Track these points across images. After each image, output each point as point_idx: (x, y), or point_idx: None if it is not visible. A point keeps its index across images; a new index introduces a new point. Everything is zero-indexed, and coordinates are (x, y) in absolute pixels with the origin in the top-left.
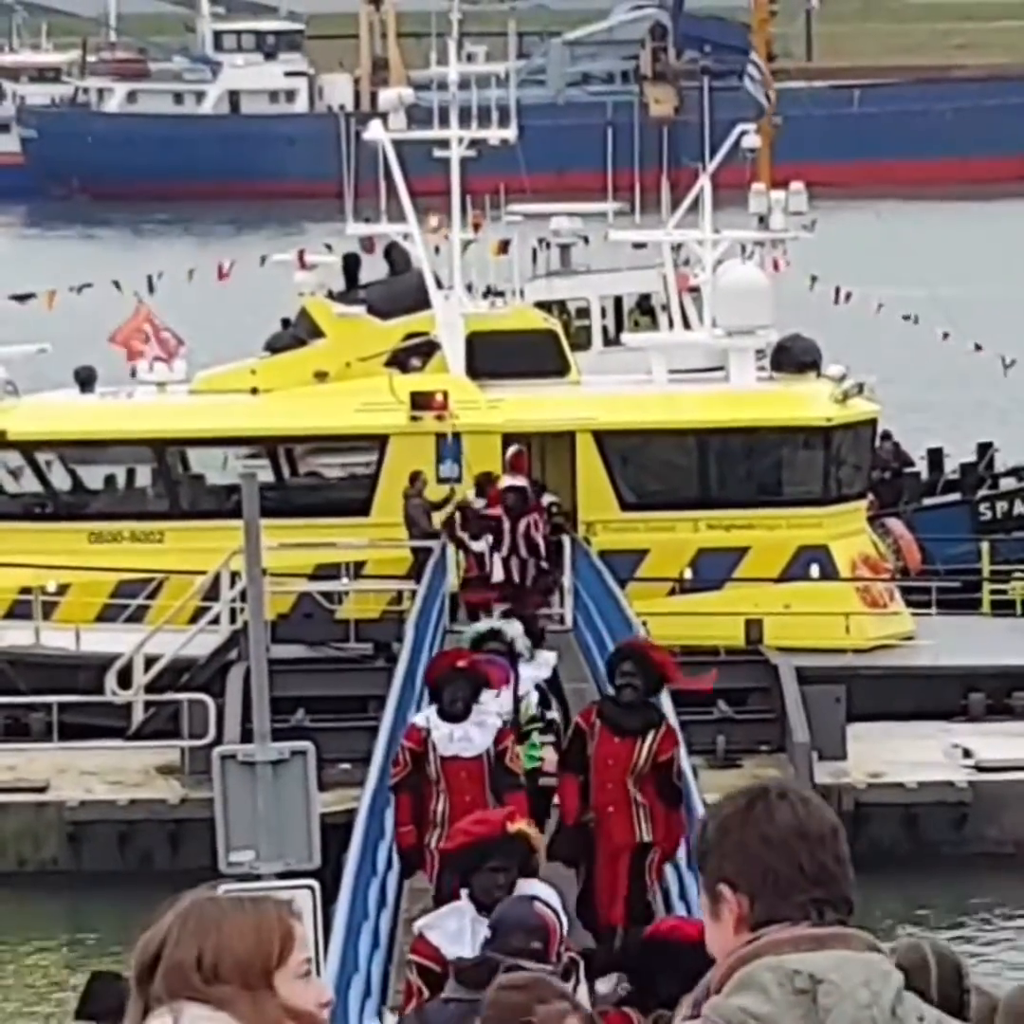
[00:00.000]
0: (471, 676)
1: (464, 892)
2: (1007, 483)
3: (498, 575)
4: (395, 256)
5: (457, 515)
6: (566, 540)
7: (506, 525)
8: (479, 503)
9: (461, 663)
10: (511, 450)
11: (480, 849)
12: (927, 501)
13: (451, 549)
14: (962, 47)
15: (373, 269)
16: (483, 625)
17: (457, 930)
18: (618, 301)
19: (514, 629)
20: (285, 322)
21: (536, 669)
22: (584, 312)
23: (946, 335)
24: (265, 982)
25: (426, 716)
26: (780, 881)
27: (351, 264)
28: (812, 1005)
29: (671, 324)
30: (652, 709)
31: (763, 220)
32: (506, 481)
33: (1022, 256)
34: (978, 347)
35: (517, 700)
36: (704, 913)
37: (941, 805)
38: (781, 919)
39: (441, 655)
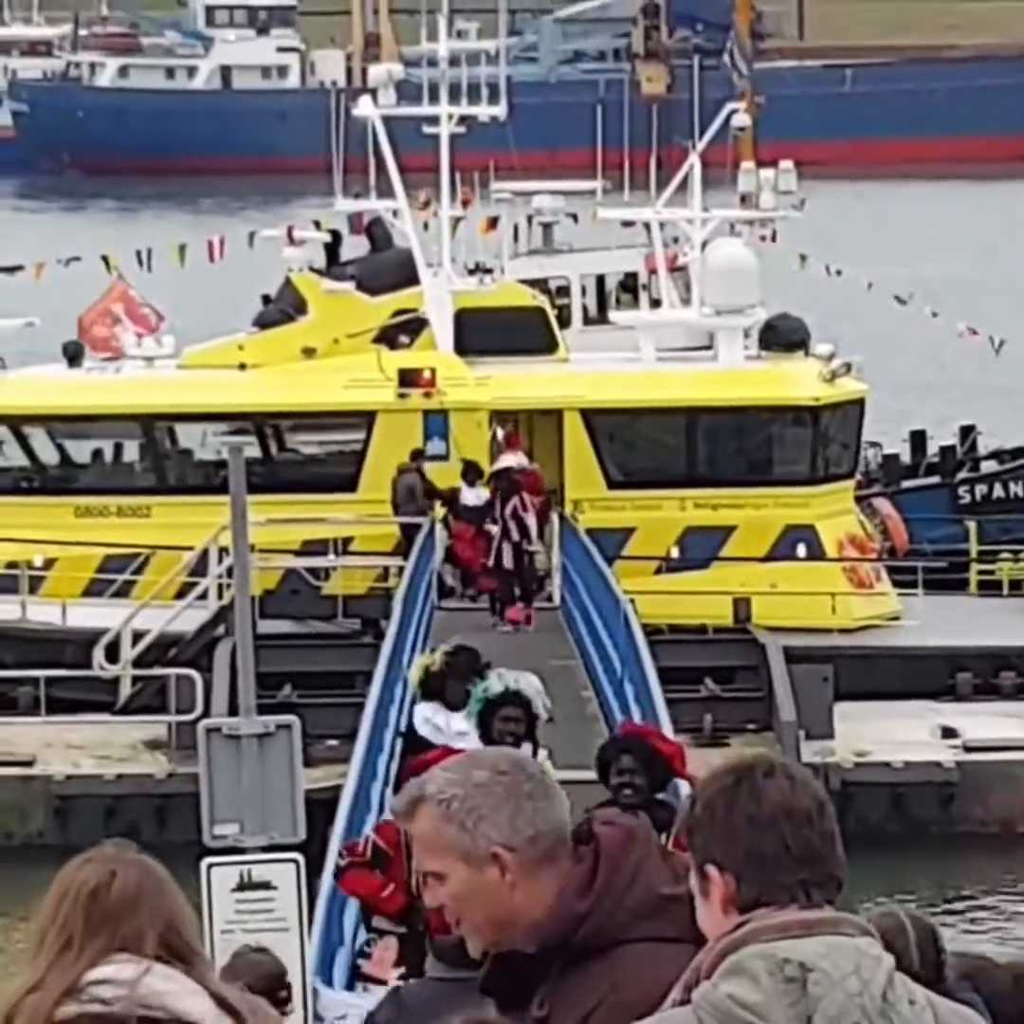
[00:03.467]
0: None
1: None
2: (988, 466)
3: (492, 559)
4: (376, 233)
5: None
6: (553, 517)
7: (497, 509)
8: (470, 495)
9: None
10: (504, 430)
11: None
12: (907, 483)
13: (439, 528)
14: (954, 27)
15: (354, 247)
16: (495, 683)
17: None
18: (600, 280)
19: (532, 686)
20: (265, 298)
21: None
22: (564, 291)
23: (935, 314)
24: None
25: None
26: (766, 861)
27: (332, 241)
28: (802, 993)
29: (652, 303)
30: (659, 808)
31: (745, 199)
32: (500, 462)
33: (1013, 236)
34: (973, 331)
35: None
36: (695, 892)
37: (928, 784)
38: (769, 900)
39: (419, 760)
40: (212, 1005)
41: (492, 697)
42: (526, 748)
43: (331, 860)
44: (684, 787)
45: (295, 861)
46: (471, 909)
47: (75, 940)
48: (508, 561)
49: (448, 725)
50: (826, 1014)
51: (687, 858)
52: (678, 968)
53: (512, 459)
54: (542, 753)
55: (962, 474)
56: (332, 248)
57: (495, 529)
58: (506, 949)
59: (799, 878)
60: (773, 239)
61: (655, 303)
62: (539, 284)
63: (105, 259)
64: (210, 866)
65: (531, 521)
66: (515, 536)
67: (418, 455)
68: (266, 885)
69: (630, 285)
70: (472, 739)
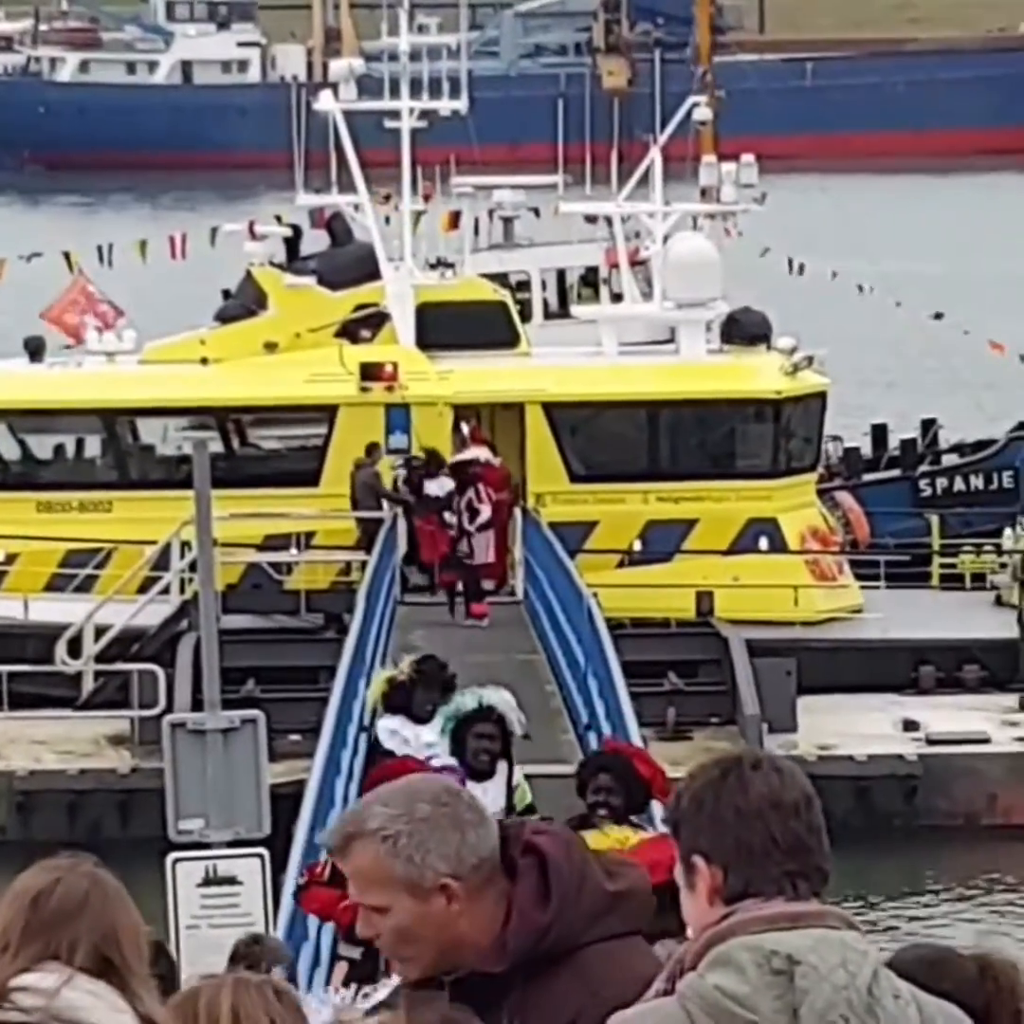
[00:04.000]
0: None
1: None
2: (949, 459)
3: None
4: (336, 228)
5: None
6: (516, 511)
7: (456, 501)
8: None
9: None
10: (469, 425)
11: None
12: (867, 476)
13: (401, 520)
14: (915, 21)
15: (315, 241)
16: (469, 699)
17: None
18: (561, 274)
19: (506, 702)
20: (226, 293)
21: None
22: (525, 285)
23: (898, 304)
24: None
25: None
26: (754, 853)
27: (292, 236)
28: (789, 985)
29: (612, 297)
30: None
31: (705, 193)
32: (463, 455)
33: (974, 230)
34: (938, 316)
35: (511, 790)
36: (679, 883)
37: (891, 778)
38: (755, 891)
39: (382, 768)
40: None
41: (465, 713)
42: (502, 766)
43: (291, 880)
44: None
45: (260, 856)
46: (416, 939)
47: (12, 945)
48: (482, 555)
49: (416, 738)
50: (813, 1007)
51: (611, 855)
52: (642, 960)
53: (475, 454)
54: (519, 772)
55: (923, 467)
56: (292, 243)
57: (448, 522)
58: (449, 974)
59: (786, 870)
60: (738, 234)
61: (616, 297)
62: (500, 278)
63: (67, 255)
64: (175, 861)
65: (485, 513)
66: (467, 525)
67: (373, 449)
68: (232, 880)
69: (590, 280)
70: (441, 752)
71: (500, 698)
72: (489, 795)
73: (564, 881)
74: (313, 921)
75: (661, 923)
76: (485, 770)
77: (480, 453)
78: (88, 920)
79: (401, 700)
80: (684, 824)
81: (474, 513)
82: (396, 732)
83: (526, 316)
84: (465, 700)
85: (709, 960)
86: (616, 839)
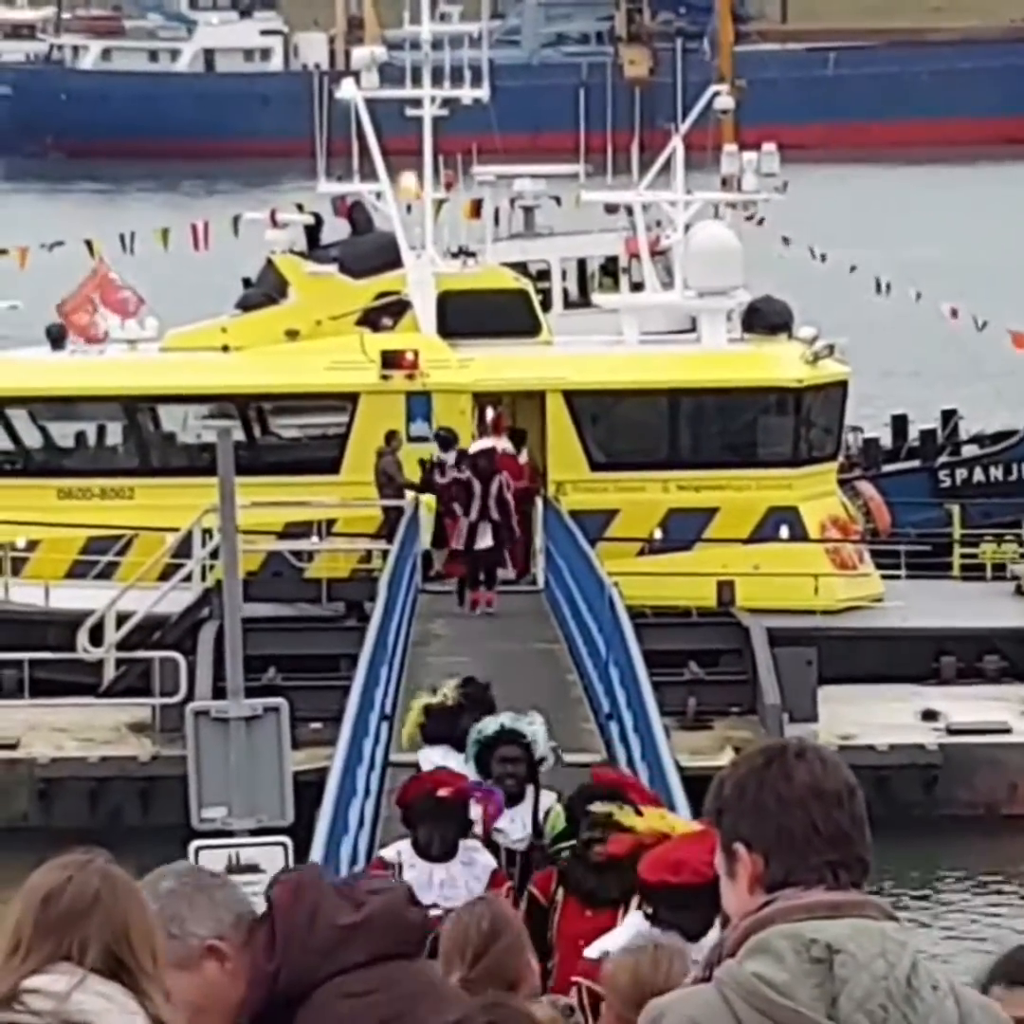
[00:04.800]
0: (454, 812)
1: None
2: (969, 450)
3: (462, 542)
4: (357, 216)
5: (433, 469)
6: (538, 500)
7: (476, 489)
8: (448, 458)
9: (443, 792)
10: (492, 412)
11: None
12: (887, 467)
13: (425, 508)
14: (937, 10)
15: (336, 230)
16: (493, 722)
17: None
18: (582, 264)
19: (536, 728)
20: (246, 281)
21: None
22: (545, 274)
23: (919, 296)
24: (163, 961)
25: (398, 850)
26: (795, 841)
27: (313, 224)
28: (828, 974)
29: (632, 287)
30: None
31: (725, 182)
32: (479, 444)
33: (997, 219)
34: (954, 313)
35: (537, 818)
36: (720, 872)
37: (912, 767)
38: (796, 880)
39: (416, 780)
40: None
41: (488, 737)
42: (529, 790)
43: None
44: None
45: (283, 844)
46: (206, 1011)
47: (23, 944)
48: (486, 541)
49: (462, 771)
50: (851, 996)
51: (369, 884)
52: (378, 987)
53: (493, 443)
54: (549, 796)
55: (943, 458)
56: (312, 231)
57: (461, 511)
58: None
59: (828, 859)
60: (760, 223)
61: (636, 287)
62: (520, 267)
63: (88, 243)
64: (198, 849)
65: (510, 498)
66: (495, 516)
67: (392, 436)
68: (254, 868)
69: (611, 269)
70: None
71: (528, 722)
72: (517, 821)
73: (288, 925)
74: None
75: (677, 920)
76: (511, 794)
77: (499, 443)
78: (98, 919)
79: (443, 729)
80: (726, 812)
81: (503, 504)
82: (443, 766)
83: (546, 305)
84: (487, 723)
85: (748, 947)
86: (652, 818)
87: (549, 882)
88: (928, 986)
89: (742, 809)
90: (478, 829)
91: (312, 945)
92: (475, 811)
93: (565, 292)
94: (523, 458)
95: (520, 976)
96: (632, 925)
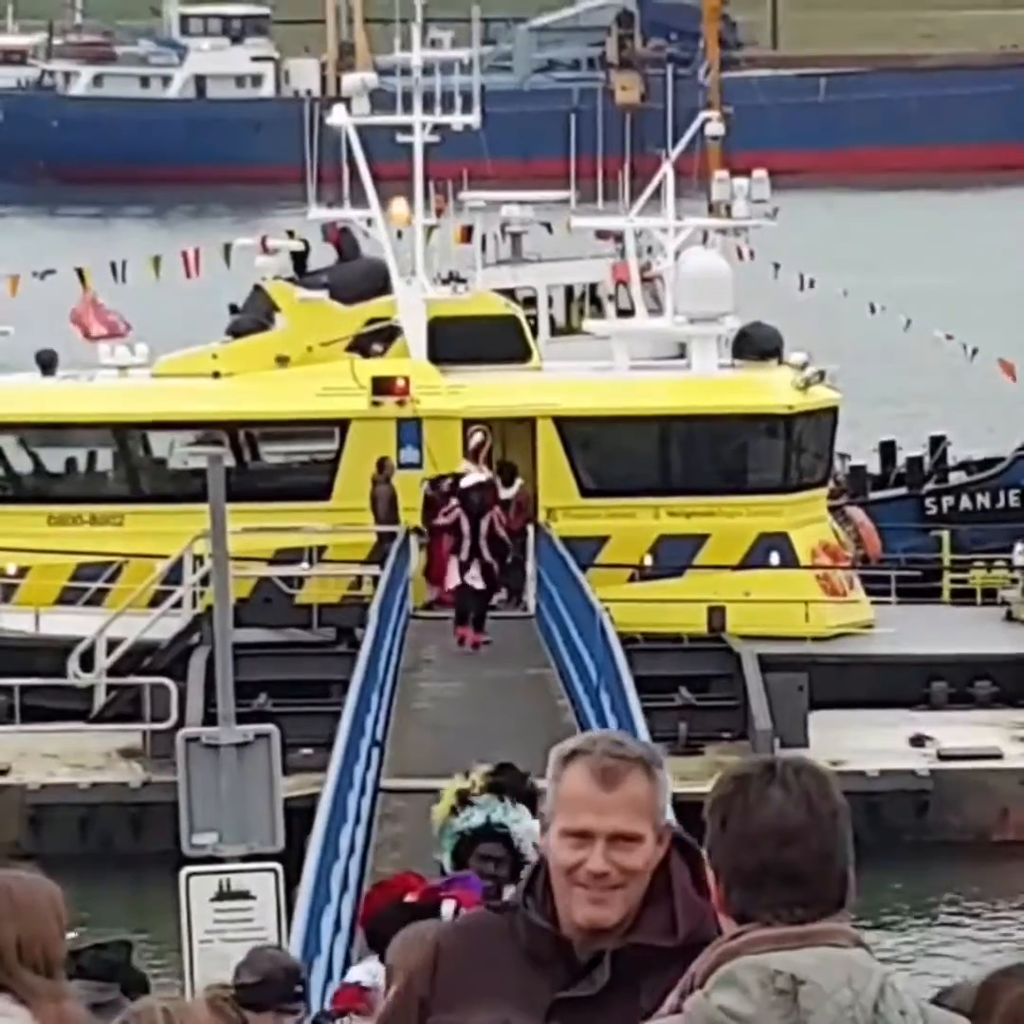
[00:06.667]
0: (422, 916)
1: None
2: (956, 477)
3: (454, 580)
4: (344, 242)
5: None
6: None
7: (465, 528)
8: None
9: (410, 898)
10: (475, 439)
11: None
12: (874, 494)
13: (414, 540)
14: (928, 36)
15: (323, 256)
16: (479, 814)
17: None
18: (569, 290)
19: (523, 825)
20: (233, 307)
21: None
22: (531, 301)
23: (909, 322)
24: (60, 971)
25: (370, 971)
26: (747, 879)
27: (301, 251)
28: (793, 1006)
29: (618, 313)
30: None
31: (713, 209)
32: (469, 478)
33: (987, 246)
34: (949, 336)
35: None
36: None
37: (902, 793)
38: (751, 917)
39: (381, 887)
40: None
41: (469, 831)
42: (508, 892)
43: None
44: None
45: (274, 870)
46: None
47: None
48: (478, 584)
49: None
50: None
51: None
52: None
53: (477, 476)
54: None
55: (929, 485)
56: (300, 257)
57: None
58: None
59: (782, 899)
60: (751, 256)
61: (621, 313)
62: (508, 294)
63: (80, 273)
64: (189, 876)
65: (504, 535)
66: (487, 557)
67: (383, 463)
68: (245, 895)
69: (594, 296)
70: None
71: (515, 817)
72: None
73: None
74: (326, 936)
75: None
76: (489, 897)
77: (481, 475)
78: None
79: None
80: (705, 832)
81: (495, 543)
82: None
83: (533, 332)
84: (472, 814)
85: (715, 979)
86: None
87: None
88: (896, 1011)
89: (712, 834)
90: None
91: None
92: (447, 908)
93: (552, 319)
94: (514, 491)
95: None
96: None
